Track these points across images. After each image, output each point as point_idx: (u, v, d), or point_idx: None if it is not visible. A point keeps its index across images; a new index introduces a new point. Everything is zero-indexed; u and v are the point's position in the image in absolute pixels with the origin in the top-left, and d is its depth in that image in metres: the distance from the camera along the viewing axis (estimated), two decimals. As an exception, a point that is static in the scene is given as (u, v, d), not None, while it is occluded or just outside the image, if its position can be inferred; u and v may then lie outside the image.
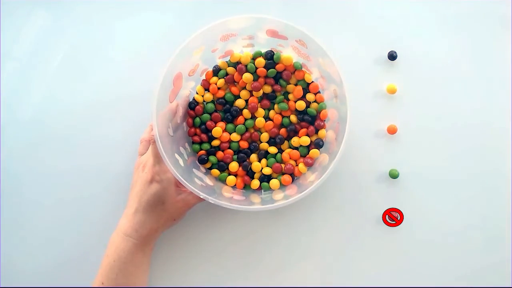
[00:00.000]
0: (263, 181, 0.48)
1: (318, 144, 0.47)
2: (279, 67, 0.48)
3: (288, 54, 0.48)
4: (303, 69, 0.48)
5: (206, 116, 0.49)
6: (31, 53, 0.56)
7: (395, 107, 0.52)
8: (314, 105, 0.48)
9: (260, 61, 0.47)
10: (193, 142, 0.50)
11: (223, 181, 0.48)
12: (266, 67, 0.48)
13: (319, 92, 0.48)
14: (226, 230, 0.51)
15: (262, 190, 0.48)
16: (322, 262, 0.50)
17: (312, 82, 0.48)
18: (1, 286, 0.51)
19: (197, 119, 0.49)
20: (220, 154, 0.49)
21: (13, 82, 0.55)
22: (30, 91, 0.55)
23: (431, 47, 0.54)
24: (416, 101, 0.53)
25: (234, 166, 0.48)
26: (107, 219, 0.48)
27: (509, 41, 0.53)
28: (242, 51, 0.49)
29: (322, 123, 0.48)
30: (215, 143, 0.49)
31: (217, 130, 0.48)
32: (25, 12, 0.57)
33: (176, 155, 0.44)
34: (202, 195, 0.41)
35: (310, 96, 0.48)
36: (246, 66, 0.48)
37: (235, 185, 0.48)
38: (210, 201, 0.41)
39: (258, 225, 0.51)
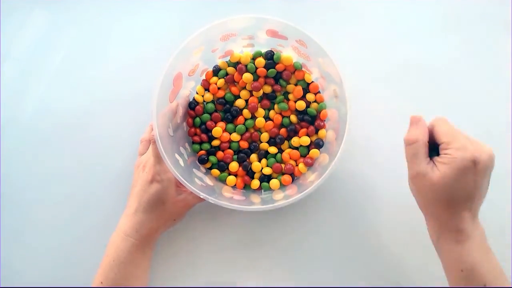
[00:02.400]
0: (263, 181, 0.48)
1: (318, 144, 0.47)
2: (279, 67, 0.48)
3: (288, 54, 0.48)
4: (303, 69, 0.48)
5: (206, 116, 0.49)
6: (31, 53, 0.56)
7: (395, 107, 0.52)
8: (314, 105, 0.48)
9: (260, 61, 0.47)
10: (193, 142, 0.50)
11: (223, 181, 0.48)
12: (266, 67, 0.48)
13: (319, 92, 0.48)
14: (226, 230, 0.51)
15: (262, 190, 0.48)
16: (322, 262, 0.50)
17: (312, 82, 0.48)
18: (1, 286, 0.51)
19: (197, 119, 0.49)
20: (220, 154, 0.49)
21: (13, 82, 0.55)
22: (30, 91, 0.55)
23: (431, 48, 0.54)
24: (416, 101, 0.52)
25: (234, 166, 0.48)
26: (107, 219, 0.48)
27: (509, 42, 0.53)
28: (242, 51, 0.49)
29: (322, 123, 0.48)
30: (215, 143, 0.49)
31: (217, 130, 0.48)
32: (25, 12, 0.56)
33: (176, 155, 0.44)
34: (202, 195, 0.41)
35: (310, 96, 0.48)
36: (246, 66, 0.48)
37: (235, 185, 0.48)
38: (210, 201, 0.41)
39: (258, 225, 0.51)
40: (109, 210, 0.51)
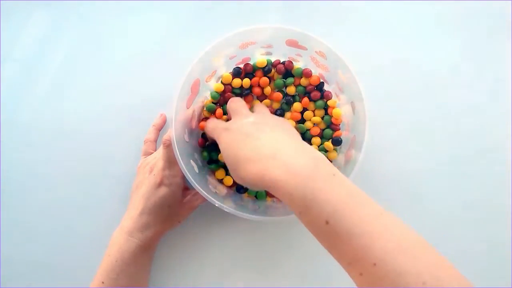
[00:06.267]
0: None
1: (337, 141, 0.47)
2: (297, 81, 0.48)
3: (306, 66, 0.48)
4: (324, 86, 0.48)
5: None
6: (31, 54, 0.55)
7: (396, 107, 0.53)
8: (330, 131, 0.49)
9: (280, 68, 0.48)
10: (202, 149, 0.49)
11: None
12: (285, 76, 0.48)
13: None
14: (227, 231, 0.51)
15: (274, 199, 0.48)
16: (324, 265, 0.50)
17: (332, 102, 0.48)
18: (1, 286, 0.50)
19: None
20: None
21: (13, 82, 0.54)
22: (30, 91, 0.54)
23: (431, 48, 0.54)
24: (417, 102, 0.53)
25: None
26: (108, 220, 0.48)
27: (509, 41, 0.54)
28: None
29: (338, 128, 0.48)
30: None
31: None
32: (25, 13, 0.56)
33: (192, 161, 0.44)
34: (217, 203, 0.41)
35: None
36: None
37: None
38: (225, 209, 0.40)
39: (259, 226, 0.51)
40: (110, 211, 0.51)
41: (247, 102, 0.48)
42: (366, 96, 0.40)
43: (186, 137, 0.44)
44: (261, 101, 0.49)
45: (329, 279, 0.50)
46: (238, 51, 0.45)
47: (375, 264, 0.27)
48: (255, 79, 0.48)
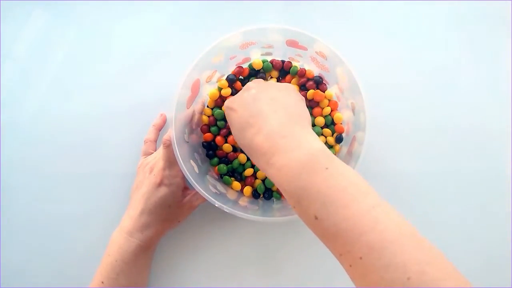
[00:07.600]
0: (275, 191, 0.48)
1: (339, 139, 0.47)
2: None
3: (307, 67, 0.48)
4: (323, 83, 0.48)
5: (214, 129, 0.49)
6: (31, 54, 0.55)
7: (396, 107, 0.53)
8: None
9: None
10: (203, 145, 0.49)
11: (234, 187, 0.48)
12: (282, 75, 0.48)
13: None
14: (226, 230, 0.51)
15: (275, 200, 0.48)
16: (324, 266, 0.50)
17: (331, 100, 0.48)
18: (1, 286, 0.50)
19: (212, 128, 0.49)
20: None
21: (13, 82, 0.54)
22: (30, 91, 0.54)
23: (431, 48, 0.54)
24: (417, 102, 0.53)
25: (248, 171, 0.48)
26: (108, 220, 0.48)
27: (509, 41, 0.54)
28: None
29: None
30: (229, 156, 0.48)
31: (227, 146, 0.48)
32: (25, 12, 0.56)
33: (191, 161, 0.44)
34: (217, 203, 0.41)
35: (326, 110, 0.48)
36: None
37: (242, 190, 0.48)
38: (225, 210, 0.40)
39: (259, 227, 0.51)
40: (110, 211, 0.51)
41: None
42: (366, 96, 0.40)
43: (186, 137, 0.44)
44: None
45: (329, 279, 0.50)
46: (238, 51, 0.45)
47: (361, 258, 0.27)
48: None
